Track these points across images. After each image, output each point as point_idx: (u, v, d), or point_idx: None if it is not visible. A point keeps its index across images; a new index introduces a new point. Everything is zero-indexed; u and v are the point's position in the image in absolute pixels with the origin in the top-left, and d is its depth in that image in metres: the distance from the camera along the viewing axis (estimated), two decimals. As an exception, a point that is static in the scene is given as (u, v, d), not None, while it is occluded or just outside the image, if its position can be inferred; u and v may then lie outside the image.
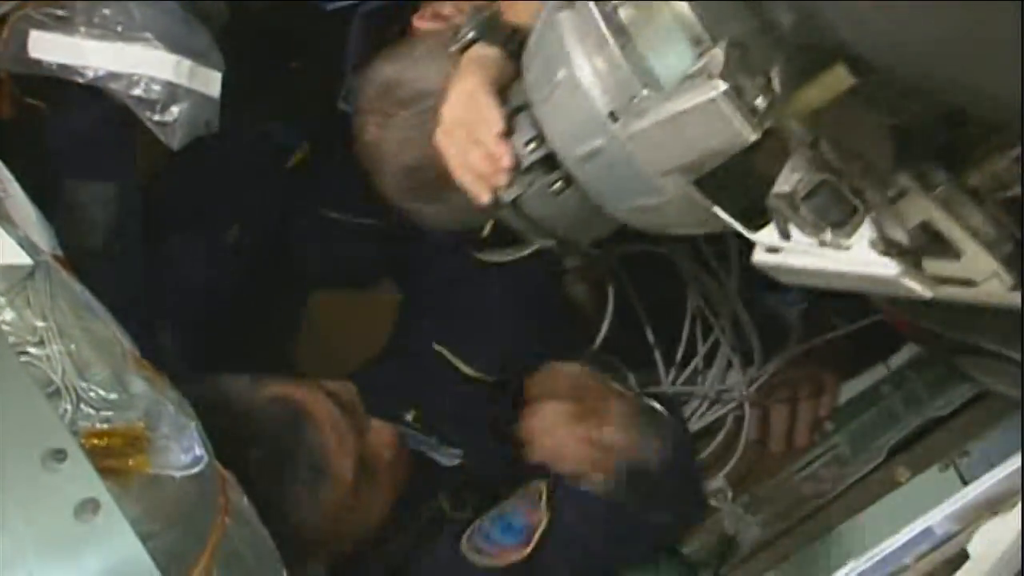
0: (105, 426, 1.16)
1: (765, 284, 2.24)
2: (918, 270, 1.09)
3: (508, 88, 1.47)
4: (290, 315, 2.35)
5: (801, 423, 2.25)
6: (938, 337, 1.47)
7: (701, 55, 1.15)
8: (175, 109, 1.80)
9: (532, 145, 1.40)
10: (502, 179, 1.43)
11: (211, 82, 1.83)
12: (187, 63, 1.80)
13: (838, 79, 1.04)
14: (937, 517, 1.14)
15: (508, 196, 1.44)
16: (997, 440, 1.59)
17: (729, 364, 2.28)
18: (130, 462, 1.17)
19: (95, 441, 1.14)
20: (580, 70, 1.25)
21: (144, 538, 1.05)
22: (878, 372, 2.15)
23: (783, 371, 2.26)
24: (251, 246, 2.16)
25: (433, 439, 1.94)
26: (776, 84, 1.09)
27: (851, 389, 2.19)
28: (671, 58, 1.18)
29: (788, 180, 1.10)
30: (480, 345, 2.11)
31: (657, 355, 2.29)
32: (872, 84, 1.03)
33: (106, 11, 1.77)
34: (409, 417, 1.97)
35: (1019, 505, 1.10)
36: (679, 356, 2.30)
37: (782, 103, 1.09)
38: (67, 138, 1.87)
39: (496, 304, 2.12)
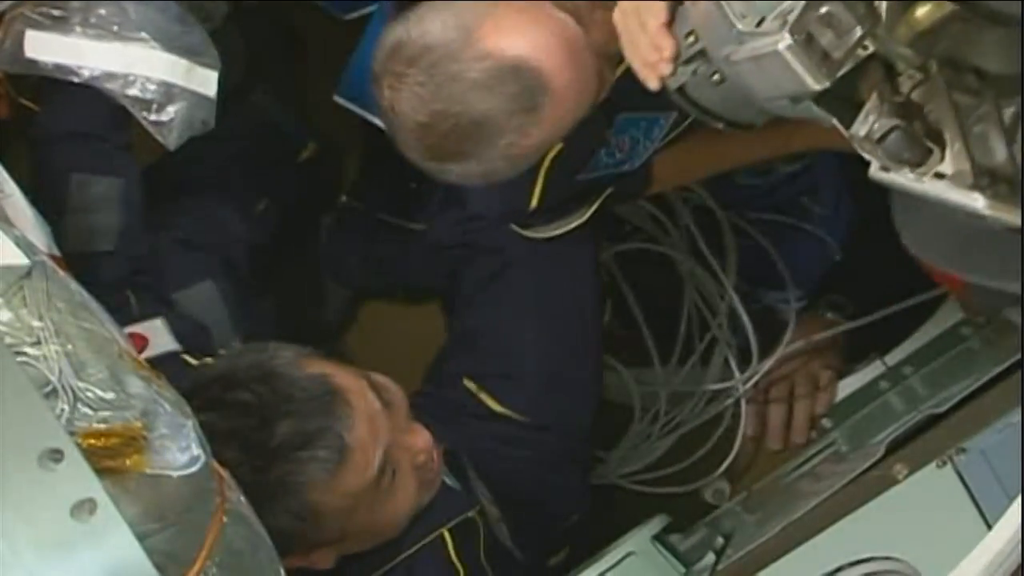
0: (102, 426, 1.16)
1: (764, 282, 2.27)
2: (1013, 195, 1.11)
3: None
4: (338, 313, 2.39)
5: (798, 420, 2.26)
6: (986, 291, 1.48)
7: None
8: (171, 109, 1.80)
9: (691, 39, 1.39)
10: (665, 69, 1.42)
11: (207, 81, 1.82)
12: (183, 63, 1.79)
13: (938, 6, 1.07)
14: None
15: (674, 84, 1.44)
16: (995, 437, 1.59)
17: (726, 361, 2.29)
18: (127, 462, 1.17)
19: (92, 441, 1.13)
20: None
21: (141, 538, 1.05)
22: (875, 369, 2.15)
23: (781, 368, 2.27)
24: (277, 224, 2.20)
25: (460, 489, 1.94)
26: (882, 10, 1.11)
27: (848, 386, 2.20)
28: None
29: (863, 124, 1.13)
30: (511, 381, 2.11)
31: (654, 352, 2.30)
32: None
33: (102, 11, 1.77)
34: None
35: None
36: (676, 353, 2.31)
37: (888, 28, 1.11)
38: (66, 135, 1.87)
39: (531, 337, 2.11)
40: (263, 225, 2.24)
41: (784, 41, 1.10)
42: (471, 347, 2.16)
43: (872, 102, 1.14)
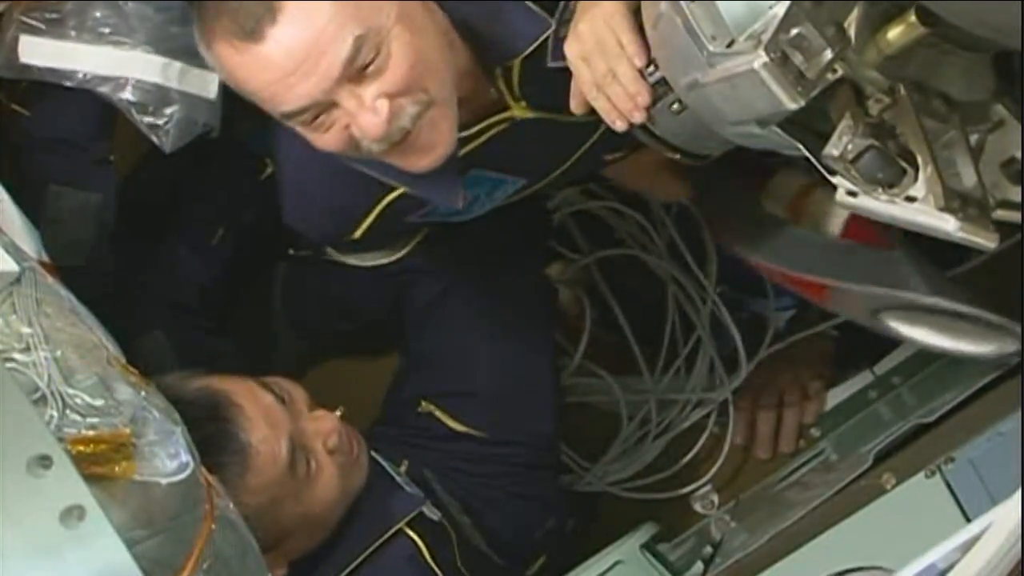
0: (91, 432, 1.16)
1: (750, 290, 2.27)
2: (984, 218, 1.13)
3: None
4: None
5: (787, 428, 2.26)
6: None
7: (772, 7, 1.16)
8: (167, 111, 1.78)
9: (651, 67, 1.39)
10: (638, 118, 1.41)
11: (206, 83, 1.80)
12: (177, 65, 1.77)
13: (910, 27, 1.08)
14: (940, 553, 1.14)
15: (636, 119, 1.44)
16: (983, 447, 1.59)
17: (712, 367, 2.29)
18: (116, 468, 1.17)
19: (81, 447, 1.13)
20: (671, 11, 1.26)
21: (130, 544, 1.05)
22: (864, 378, 2.15)
23: (769, 376, 2.27)
24: (233, 248, 2.17)
25: (421, 494, 1.94)
26: (851, 32, 1.13)
27: (837, 396, 2.20)
28: (741, 10, 1.19)
29: (836, 144, 1.14)
30: (467, 398, 2.10)
31: (640, 358, 2.30)
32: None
33: (97, 13, 1.75)
34: (402, 470, 1.97)
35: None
36: (661, 360, 2.31)
37: (857, 51, 1.13)
38: (47, 142, 1.86)
39: (482, 353, 2.11)
40: (220, 253, 2.19)
41: (760, 59, 1.10)
42: (424, 369, 2.16)
43: (845, 123, 1.14)
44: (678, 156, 1.50)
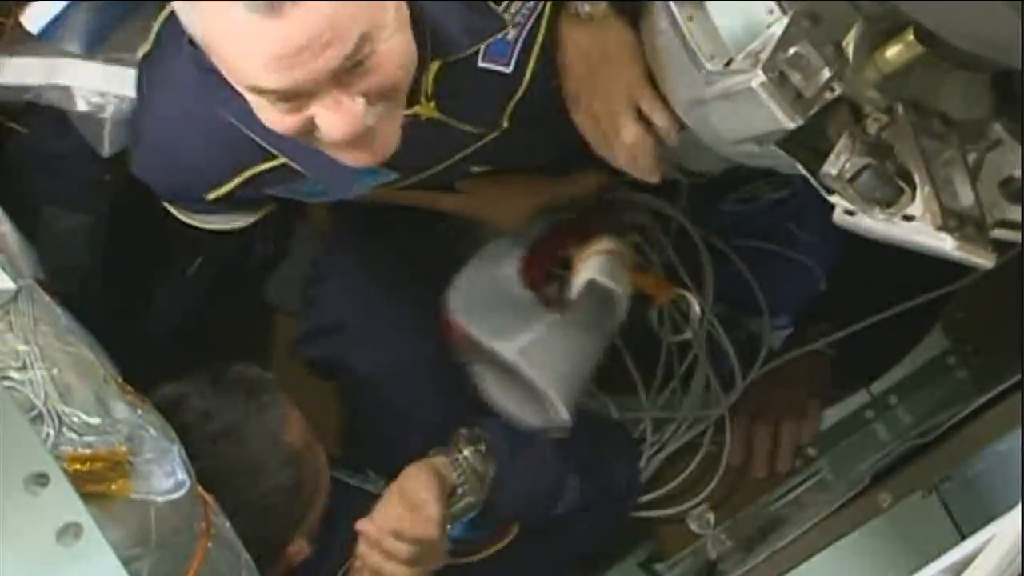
0: (87, 450, 1.16)
1: (747, 309, 2.27)
2: (981, 237, 1.13)
3: None
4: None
5: (784, 447, 2.26)
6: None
7: (770, 26, 1.17)
8: (103, 116, 1.75)
9: None
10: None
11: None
12: (114, 69, 1.75)
13: (908, 47, 1.08)
14: (936, 571, 1.14)
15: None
16: (979, 467, 1.59)
17: (708, 385, 2.28)
18: (112, 486, 1.17)
19: (78, 465, 1.13)
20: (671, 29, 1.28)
21: (126, 562, 1.05)
22: (861, 398, 2.15)
23: (766, 395, 2.26)
24: (211, 277, 2.15)
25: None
26: (849, 52, 1.13)
27: (834, 415, 2.20)
28: (739, 29, 1.20)
29: (834, 163, 1.14)
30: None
31: (637, 378, 2.29)
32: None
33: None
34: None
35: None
36: (658, 378, 2.30)
37: (856, 70, 1.14)
38: (42, 162, 1.85)
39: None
40: (195, 287, 2.16)
41: (758, 78, 1.11)
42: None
43: (843, 141, 1.14)
44: (678, 174, 1.52)
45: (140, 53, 1.67)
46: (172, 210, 1.77)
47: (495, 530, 1.91)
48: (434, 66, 1.52)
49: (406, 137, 1.48)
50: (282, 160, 1.61)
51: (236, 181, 1.66)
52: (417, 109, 1.55)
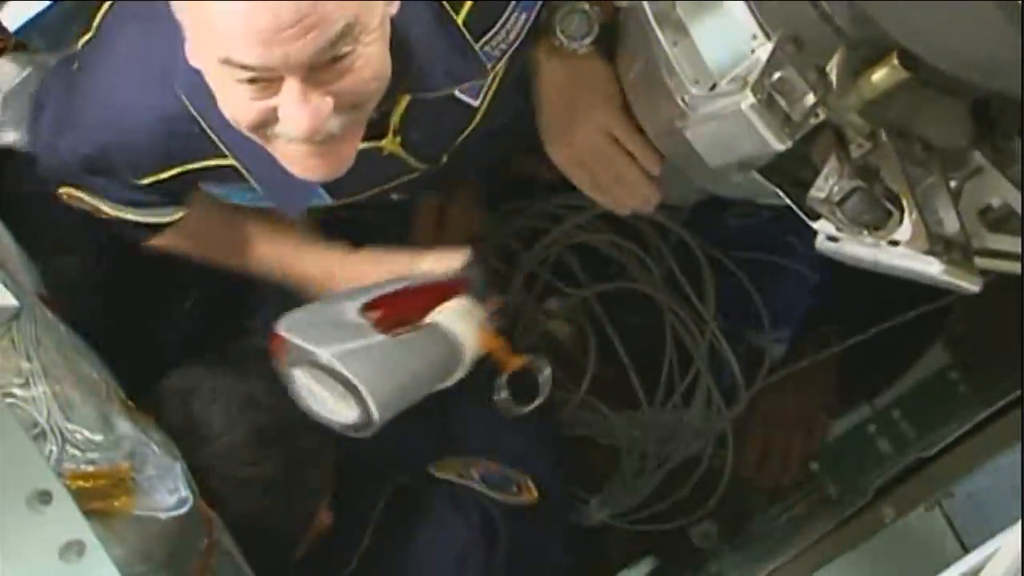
0: (90, 467, 1.16)
1: (749, 321, 2.27)
2: (967, 262, 1.13)
3: None
4: None
5: (787, 460, 2.25)
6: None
7: (754, 51, 1.17)
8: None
9: None
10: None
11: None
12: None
13: (893, 71, 1.08)
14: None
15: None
16: (982, 481, 1.59)
17: (710, 398, 2.28)
18: (115, 503, 1.17)
19: (80, 482, 1.14)
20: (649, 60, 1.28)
21: (129, 580, 1.05)
22: (863, 412, 2.15)
23: (770, 408, 2.26)
24: (204, 312, 2.14)
25: None
26: (832, 77, 1.13)
27: (837, 429, 2.20)
28: (723, 54, 1.21)
29: (822, 187, 1.14)
30: None
31: (640, 393, 2.29)
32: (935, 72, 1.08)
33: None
34: None
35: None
36: (660, 391, 2.30)
37: (839, 95, 1.14)
38: (23, 207, 1.83)
39: None
40: (185, 327, 2.15)
41: (747, 100, 1.11)
42: None
43: (831, 164, 1.15)
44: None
45: (80, 42, 1.64)
46: (84, 196, 1.73)
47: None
48: (404, 100, 1.52)
49: (355, 164, 1.47)
50: (229, 160, 1.60)
51: (176, 171, 1.63)
52: (383, 143, 1.55)
